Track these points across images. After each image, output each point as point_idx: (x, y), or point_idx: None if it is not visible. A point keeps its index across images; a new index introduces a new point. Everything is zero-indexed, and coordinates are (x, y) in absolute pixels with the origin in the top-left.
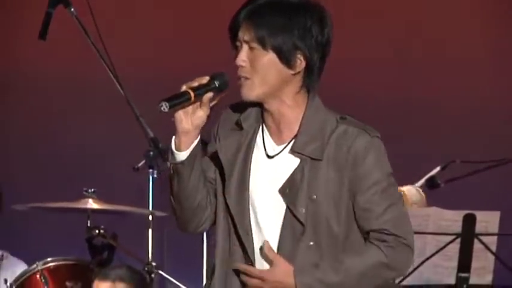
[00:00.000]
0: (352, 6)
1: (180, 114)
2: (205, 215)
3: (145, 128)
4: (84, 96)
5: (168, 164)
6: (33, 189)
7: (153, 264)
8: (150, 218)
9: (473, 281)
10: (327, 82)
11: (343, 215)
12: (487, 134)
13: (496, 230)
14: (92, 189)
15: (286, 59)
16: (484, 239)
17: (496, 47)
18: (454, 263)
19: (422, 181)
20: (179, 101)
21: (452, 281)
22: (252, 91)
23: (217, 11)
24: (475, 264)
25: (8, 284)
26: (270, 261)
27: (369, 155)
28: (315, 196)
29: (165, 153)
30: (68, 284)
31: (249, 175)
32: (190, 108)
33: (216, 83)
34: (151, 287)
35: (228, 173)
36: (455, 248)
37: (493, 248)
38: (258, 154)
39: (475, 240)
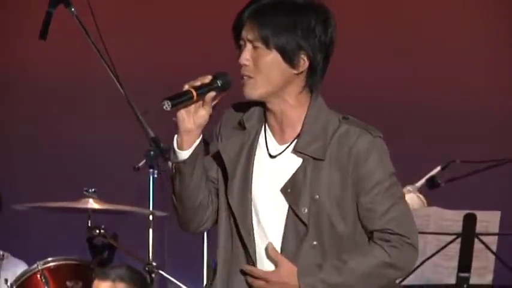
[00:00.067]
0: (353, 6)
1: (182, 113)
2: (207, 215)
3: (145, 127)
4: (85, 96)
5: (170, 163)
6: (33, 189)
7: (154, 264)
8: (151, 217)
9: (473, 280)
10: (327, 81)
11: (350, 215)
12: (487, 134)
13: (496, 229)
14: (93, 189)
15: (289, 59)
16: (484, 238)
17: (497, 47)
18: (455, 263)
19: (422, 181)
20: (181, 100)
21: (452, 280)
22: (254, 90)
23: (218, 11)
24: (475, 264)
25: (9, 283)
26: (274, 262)
27: (371, 155)
28: (317, 196)
29: (166, 152)
30: (68, 283)
31: (252, 176)
32: (192, 107)
33: (219, 83)
34: (152, 286)
35: (230, 173)
36: (455, 247)
37: (494, 247)
38: (260, 154)
39: (476, 240)
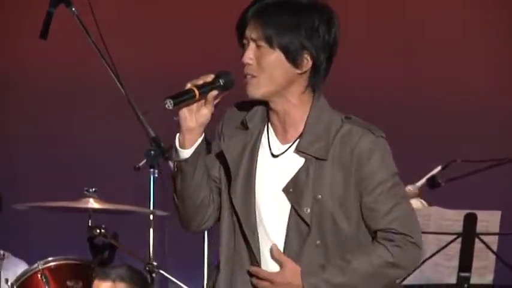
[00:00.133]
0: (356, 6)
1: (184, 112)
2: (208, 213)
3: (146, 127)
4: (85, 96)
5: (171, 162)
6: (33, 188)
7: (154, 263)
8: (151, 217)
9: (474, 280)
10: (329, 81)
11: (353, 214)
12: (488, 134)
13: (497, 229)
14: (93, 189)
15: (292, 58)
16: (485, 238)
17: (497, 47)
18: (455, 263)
19: (423, 180)
20: (184, 98)
21: (453, 280)
22: (257, 89)
23: (220, 10)
24: (476, 263)
25: (9, 283)
26: (278, 263)
27: (374, 155)
28: (320, 196)
29: (166, 152)
30: (68, 283)
31: (255, 175)
32: (194, 106)
33: (221, 81)
34: (152, 286)
35: (234, 173)
36: (456, 247)
37: (494, 247)
38: (263, 154)
39: (476, 240)
